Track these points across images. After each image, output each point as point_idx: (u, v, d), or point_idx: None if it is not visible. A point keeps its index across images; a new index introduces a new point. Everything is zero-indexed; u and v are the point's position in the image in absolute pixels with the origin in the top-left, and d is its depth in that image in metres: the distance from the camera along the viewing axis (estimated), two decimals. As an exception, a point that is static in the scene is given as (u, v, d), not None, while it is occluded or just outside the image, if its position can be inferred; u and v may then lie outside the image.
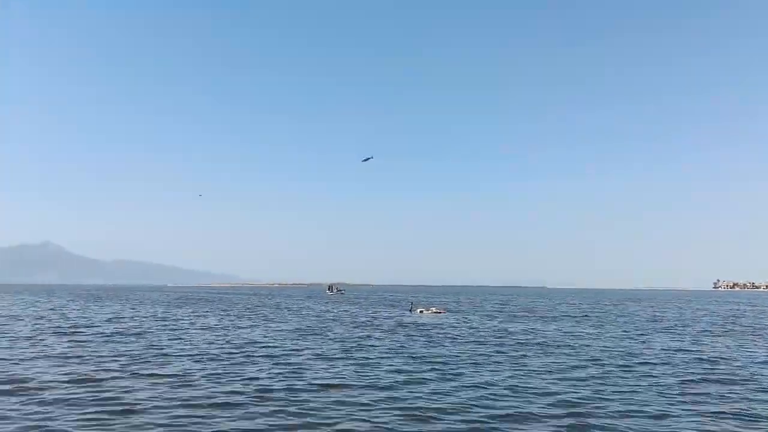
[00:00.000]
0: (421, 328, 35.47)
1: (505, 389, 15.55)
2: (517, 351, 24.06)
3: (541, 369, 19.16)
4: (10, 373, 17.23)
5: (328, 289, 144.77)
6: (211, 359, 20.57)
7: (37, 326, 34.19)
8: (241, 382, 16.06)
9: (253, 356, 21.51)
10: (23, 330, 31.58)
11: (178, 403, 13.41)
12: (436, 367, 19.36)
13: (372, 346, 25.39)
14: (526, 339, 29.18)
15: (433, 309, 57.57)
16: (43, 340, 26.44)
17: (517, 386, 15.95)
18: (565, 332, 33.70)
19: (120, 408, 12.83)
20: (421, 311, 55.93)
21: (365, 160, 70.88)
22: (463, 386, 15.90)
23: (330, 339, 28.22)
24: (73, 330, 31.85)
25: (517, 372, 18.45)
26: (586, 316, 53.65)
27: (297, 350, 23.55)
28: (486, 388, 15.70)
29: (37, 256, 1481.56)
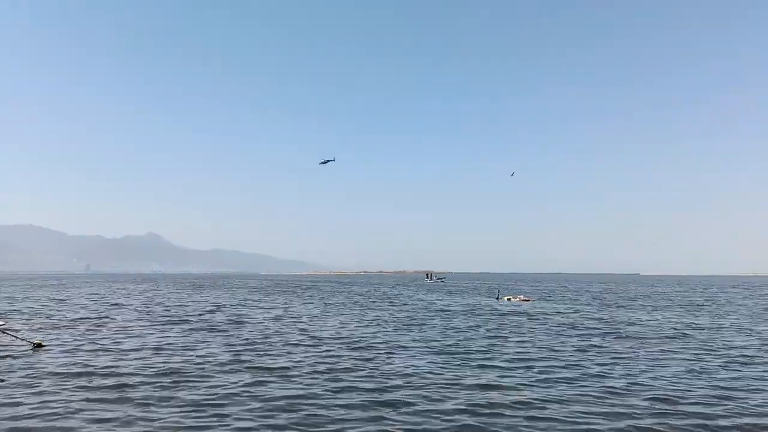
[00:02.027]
0: (531, 317, 33.81)
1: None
2: (654, 344, 21.99)
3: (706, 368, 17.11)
4: (151, 362, 17.28)
5: (427, 277, 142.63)
6: (331, 349, 19.96)
7: (156, 314, 35.28)
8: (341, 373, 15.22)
9: (363, 346, 20.68)
10: (151, 317, 32.58)
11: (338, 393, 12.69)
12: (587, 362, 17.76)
13: (503, 337, 24.03)
14: (650, 330, 26.85)
15: (521, 297, 56.16)
16: (165, 328, 27.01)
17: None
18: (685, 323, 30.96)
19: (254, 399, 12.23)
20: (508, 298, 54.76)
21: (324, 162, 68.34)
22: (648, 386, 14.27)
23: (458, 330, 27.05)
24: (184, 318, 32.50)
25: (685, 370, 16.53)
26: (701, 305, 49.77)
27: (423, 342, 22.55)
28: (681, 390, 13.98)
29: (141, 247, 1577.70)
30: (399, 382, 14.61)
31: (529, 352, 19.79)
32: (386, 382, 14.52)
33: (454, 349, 20.55)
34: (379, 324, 29.56)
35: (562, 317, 34.58)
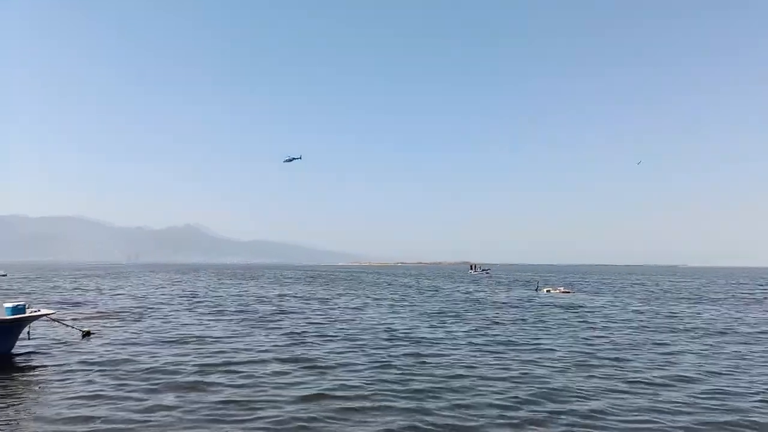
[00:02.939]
0: (573, 310, 33.05)
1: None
2: (712, 339, 21.24)
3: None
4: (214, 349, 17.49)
5: (471, 269, 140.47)
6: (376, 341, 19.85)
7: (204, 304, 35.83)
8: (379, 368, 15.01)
9: (414, 339, 20.45)
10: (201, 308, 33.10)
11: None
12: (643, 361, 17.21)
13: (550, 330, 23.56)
14: (704, 325, 25.92)
15: (561, 288, 55.43)
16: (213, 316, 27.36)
17: None
18: (735, 317, 29.80)
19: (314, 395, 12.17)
20: (548, 290, 54.11)
21: (289, 160, 66.52)
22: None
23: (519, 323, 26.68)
24: (226, 309, 32.86)
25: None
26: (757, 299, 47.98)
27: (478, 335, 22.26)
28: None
29: (183, 238, 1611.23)
30: (450, 374, 14.34)
31: (573, 345, 19.32)
32: (440, 378, 14.18)
33: (504, 341, 20.22)
34: (423, 315, 29.36)
35: (607, 310, 33.76)
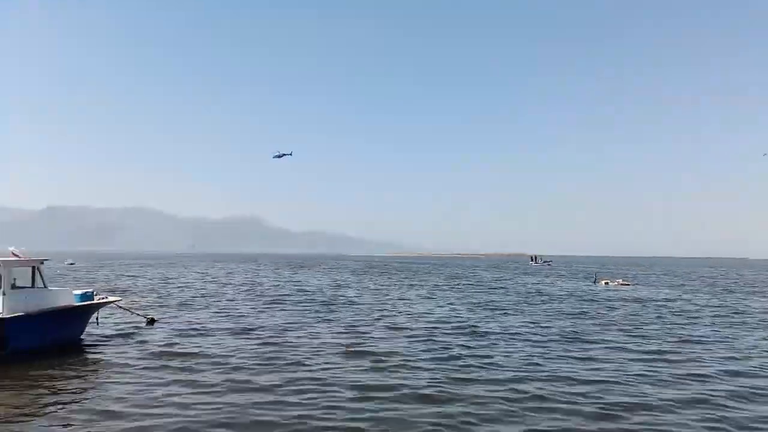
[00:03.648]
0: (632, 302, 31.71)
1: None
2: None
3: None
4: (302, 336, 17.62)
5: (532, 260, 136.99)
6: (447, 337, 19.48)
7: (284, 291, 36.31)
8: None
9: (475, 332, 19.98)
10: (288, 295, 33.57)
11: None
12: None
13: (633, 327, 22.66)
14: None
15: (620, 281, 53.69)
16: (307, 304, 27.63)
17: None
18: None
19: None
20: (606, 282, 52.52)
21: (279, 156, 64.69)
22: None
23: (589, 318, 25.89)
24: (287, 298, 33.14)
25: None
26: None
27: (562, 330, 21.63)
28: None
29: (243, 228, 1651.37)
30: (516, 368, 13.81)
31: (632, 341, 18.36)
32: (504, 372, 13.68)
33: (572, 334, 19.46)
34: (481, 307, 28.76)
35: (670, 303, 32.26)
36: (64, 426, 9.45)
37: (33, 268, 15.97)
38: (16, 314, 14.60)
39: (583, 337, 19.08)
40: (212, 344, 16.82)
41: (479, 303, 31.45)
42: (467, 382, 12.59)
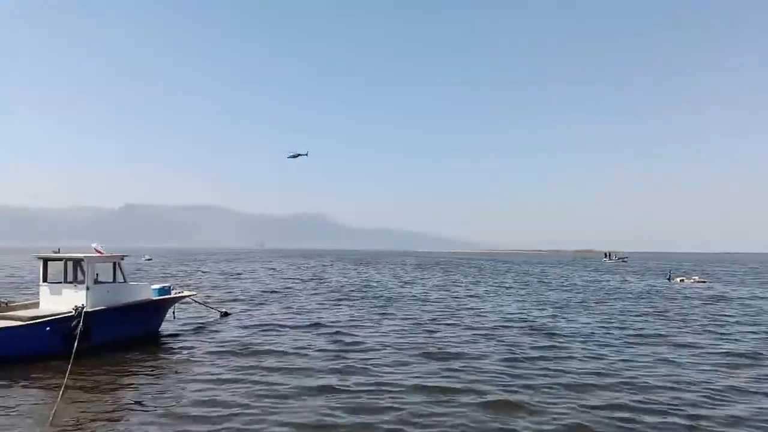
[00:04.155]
0: (710, 301, 30.00)
1: None
2: None
3: None
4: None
5: (606, 257, 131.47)
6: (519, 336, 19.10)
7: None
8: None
9: (545, 331, 19.33)
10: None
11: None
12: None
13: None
14: None
15: (695, 278, 51.33)
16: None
17: None
18: None
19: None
20: (681, 280, 50.37)
21: (294, 156, 63.06)
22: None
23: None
24: (354, 294, 33.36)
25: None
26: None
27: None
28: None
29: (309, 225, 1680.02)
30: (589, 370, 13.22)
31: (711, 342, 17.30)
32: (579, 377, 13.04)
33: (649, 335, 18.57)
34: (550, 305, 27.93)
35: (751, 301, 30.28)
36: (141, 415, 9.72)
37: (114, 263, 16.64)
38: (99, 308, 15.25)
39: (662, 339, 18.11)
40: (282, 339, 17.05)
41: (549, 301, 30.53)
42: (538, 386, 11.93)
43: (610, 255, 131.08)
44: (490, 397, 10.92)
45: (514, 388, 11.64)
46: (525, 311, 25.35)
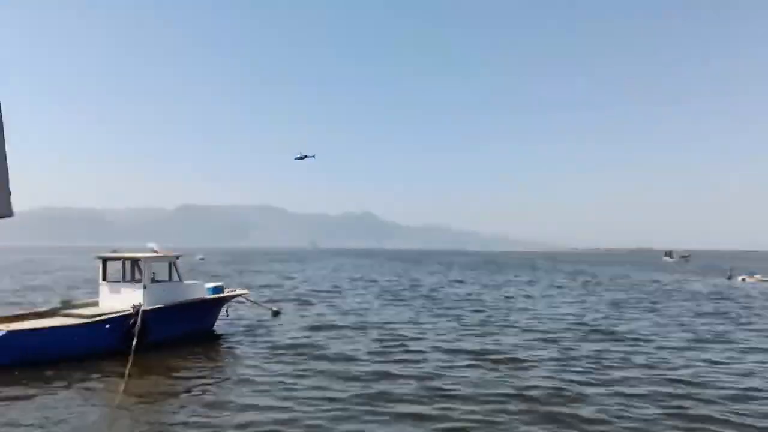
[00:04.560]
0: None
1: None
2: None
3: None
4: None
5: (666, 255, 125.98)
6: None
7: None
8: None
9: (607, 334, 18.66)
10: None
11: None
12: None
13: None
14: None
15: (758, 276, 49.34)
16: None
17: None
18: None
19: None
20: (743, 279, 48.54)
21: (301, 158, 62.19)
22: None
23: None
24: (406, 294, 33.29)
25: None
26: None
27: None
28: None
29: (359, 224, 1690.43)
30: (656, 376, 12.64)
31: None
32: (634, 381, 12.50)
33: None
34: (611, 307, 26.93)
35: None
36: (195, 411, 9.87)
37: (170, 263, 17.06)
38: (155, 306, 15.65)
39: (726, 342, 17.25)
40: (332, 340, 17.04)
41: (606, 301, 29.57)
42: (594, 395, 11.30)
43: (671, 253, 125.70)
44: (543, 408, 10.39)
45: (568, 394, 11.20)
46: (581, 312, 24.60)
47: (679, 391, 11.43)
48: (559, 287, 40.72)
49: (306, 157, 64.03)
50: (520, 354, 15.16)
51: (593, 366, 13.75)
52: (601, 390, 11.49)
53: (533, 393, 11.18)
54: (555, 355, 15.11)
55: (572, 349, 15.94)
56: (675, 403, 10.65)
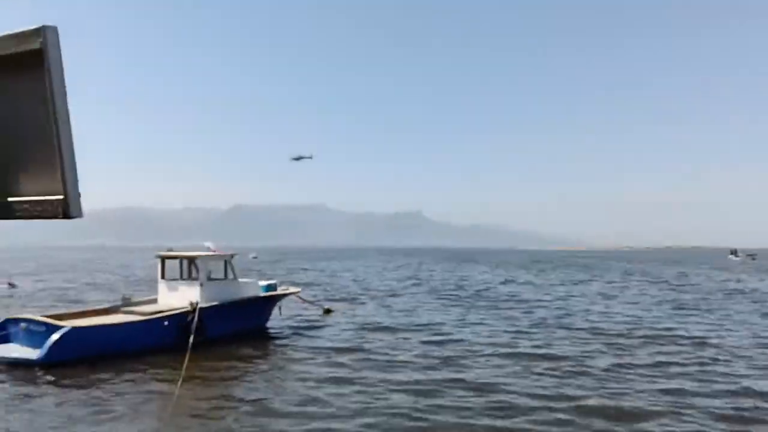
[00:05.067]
0: None
1: None
2: None
3: None
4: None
5: (732, 254, 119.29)
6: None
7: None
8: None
9: (666, 338, 17.96)
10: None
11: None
12: None
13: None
14: None
15: None
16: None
17: None
18: None
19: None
20: None
21: (297, 159, 60.89)
22: None
23: None
24: (457, 293, 33.06)
25: None
26: None
27: None
28: None
29: (406, 222, 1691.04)
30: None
31: None
32: (698, 391, 11.91)
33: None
34: (668, 307, 25.89)
35: None
36: (249, 406, 10.10)
37: (225, 261, 17.46)
38: (211, 303, 16.03)
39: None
40: (383, 340, 16.98)
41: (662, 301, 28.40)
42: (656, 406, 10.69)
43: (736, 252, 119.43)
44: (599, 422, 9.76)
45: (629, 401, 10.75)
46: (641, 314, 23.59)
47: (748, 408, 10.68)
48: (616, 286, 39.51)
49: (302, 158, 65.27)
50: (575, 355, 14.68)
51: (655, 373, 13.07)
52: (665, 400, 10.93)
53: (589, 403, 10.66)
54: (615, 360, 14.27)
55: (631, 353, 15.30)
56: (738, 414, 10.12)
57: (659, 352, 15.32)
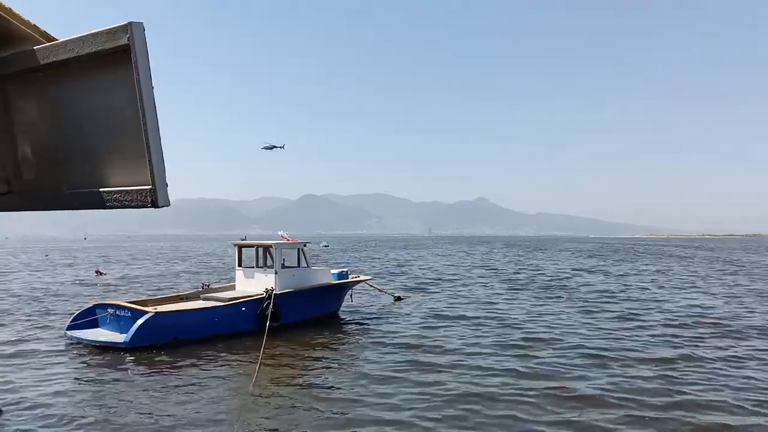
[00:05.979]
0: None
1: None
2: None
3: None
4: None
5: None
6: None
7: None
8: None
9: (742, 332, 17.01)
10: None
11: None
12: None
13: None
14: None
15: None
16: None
17: None
18: None
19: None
20: None
21: (268, 148, 57.89)
22: None
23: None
24: (528, 282, 32.55)
25: None
26: None
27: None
28: None
29: (473, 211, 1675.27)
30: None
31: None
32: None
33: None
34: (750, 299, 24.36)
35: None
36: (323, 390, 10.37)
37: (298, 249, 17.89)
38: (286, 290, 16.50)
39: None
40: (453, 330, 16.76)
41: (743, 294, 26.56)
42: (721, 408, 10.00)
43: None
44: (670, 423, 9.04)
45: (702, 402, 10.14)
46: (724, 306, 22.30)
47: None
48: (695, 276, 37.41)
49: (274, 147, 65.69)
50: (648, 353, 13.70)
51: (735, 372, 12.49)
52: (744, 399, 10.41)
53: (652, 399, 10.32)
54: (684, 355, 13.47)
55: (709, 349, 14.60)
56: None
57: (731, 347, 14.52)
